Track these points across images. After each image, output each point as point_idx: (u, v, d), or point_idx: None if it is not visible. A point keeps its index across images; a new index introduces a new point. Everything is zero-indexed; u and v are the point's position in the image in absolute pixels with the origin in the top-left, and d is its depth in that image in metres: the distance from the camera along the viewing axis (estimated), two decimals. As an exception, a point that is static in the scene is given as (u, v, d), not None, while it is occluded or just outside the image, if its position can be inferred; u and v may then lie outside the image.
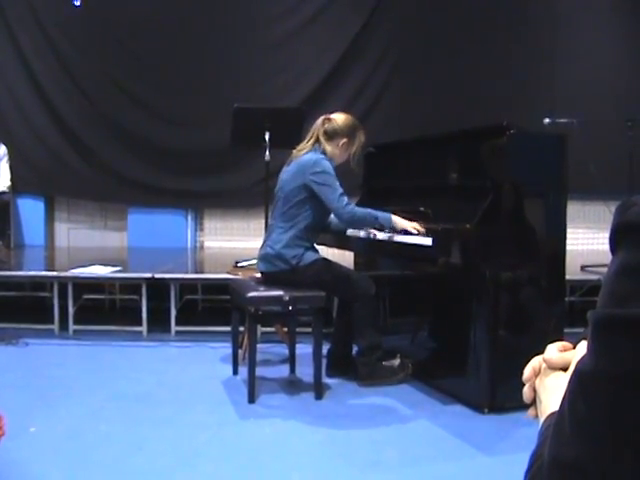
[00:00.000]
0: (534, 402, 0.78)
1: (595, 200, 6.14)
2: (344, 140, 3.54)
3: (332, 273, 3.47)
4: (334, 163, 3.52)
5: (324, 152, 3.51)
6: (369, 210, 3.45)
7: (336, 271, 3.50)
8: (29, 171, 6.49)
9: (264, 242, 3.57)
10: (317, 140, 3.54)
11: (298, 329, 3.87)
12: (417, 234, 3.21)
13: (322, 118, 3.59)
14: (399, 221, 3.34)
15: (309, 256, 3.44)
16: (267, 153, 4.23)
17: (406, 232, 3.27)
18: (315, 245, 3.58)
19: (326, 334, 3.58)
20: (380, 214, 3.39)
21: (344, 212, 3.37)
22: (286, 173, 3.54)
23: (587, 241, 6.47)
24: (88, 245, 6.69)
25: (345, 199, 3.38)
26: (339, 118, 3.59)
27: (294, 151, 3.59)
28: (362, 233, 3.55)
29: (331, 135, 3.54)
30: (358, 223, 3.46)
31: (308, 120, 3.96)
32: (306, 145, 3.56)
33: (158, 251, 6.15)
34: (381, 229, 3.42)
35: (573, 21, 6.50)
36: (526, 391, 0.78)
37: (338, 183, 3.40)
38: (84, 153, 6.50)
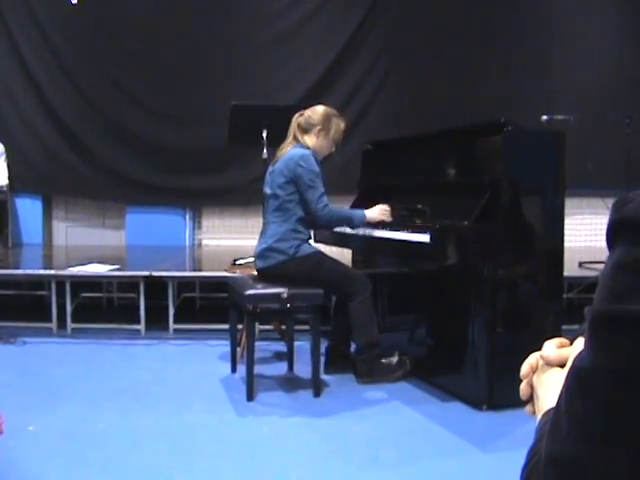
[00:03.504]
0: (531, 399, 0.78)
1: (593, 196, 6.15)
2: (318, 127, 3.56)
3: (328, 269, 3.47)
4: (319, 157, 3.54)
5: (308, 147, 3.53)
6: (344, 211, 3.66)
7: (333, 269, 3.49)
8: (27, 170, 6.48)
9: (259, 240, 3.57)
10: (295, 136, 3.57)
11: (296, 327, 3.88)
12: (389, 220, 3.48)
13: (296, 115, 3.63)
14: (372, 215, 3.53)
15: (306, 248, 3.45)
16: (265, 151, 4.23)
17: (384, 224, 3.49)
18: (310, 239, 3.59)
19: (324, 331, 3.58)
20: (354, 214, 3.55)
21: (322, 214, 3.42)
22: (272, 173, 3.55)
23: (585, 237, 6.48)
24: (86, 243, 6.68)
25: (324, 200, 3.42)
26: (311, 110, 3.63)
27: (278, 151, 3.62)
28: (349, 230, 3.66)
29: (305, 127, 3.57)
30: (334, 223, 3.59)
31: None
32: (286, 143, 3.58)
33: (156, 249, 6.14)
34: (357, 227, 3.57)
35: (571, 18, 6.49)
36: (523, 388, 0.78)
37: (321, 181, 3.44)
38: (82, 152, 6.49)
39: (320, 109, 3.62)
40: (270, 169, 3.60)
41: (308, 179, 3.39)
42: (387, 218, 3.53)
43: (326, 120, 3.58)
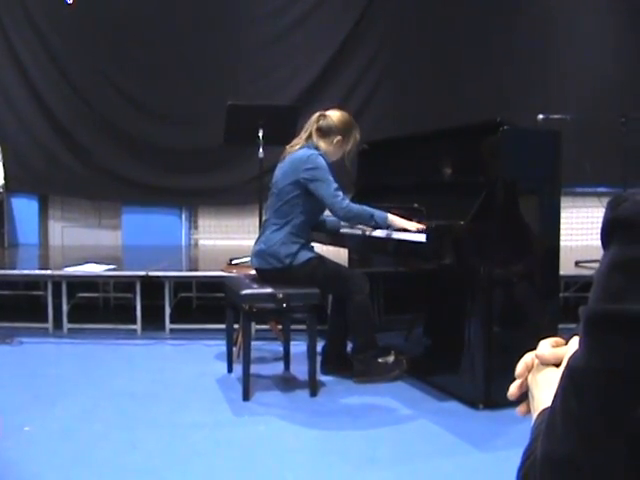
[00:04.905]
0: (525, 398, 0.78)
1: (589, 195, 6.16)
2: (338, 138, 3.51)
3: (326, 271, 3.45)
4: (328, 160, 3.48)
5: (317, 148, 3.48)
6: (365, 207, 3.42)
7: (330, 269, 3.48)
8: (23, 170, 6.47)
9: (259, 238, 3.56)
10: (310, 136, 3.51)
11: (293, 326, 3.87)
12: (417, 232, 3.15)
13: (317, 114, 3.56)
14: (396, 220, 3.30)
15: (303, 255, 3.41)
16: (261, 150, 4.22)
17: (404, 231, 3.23)
18: (310, 241, 3.56)
19: (321, 331, 3.57)
20: (376, 212, 3.36)
21: (339, 208, 3.35)
22: (280, 169, 3.52)
23: (581, 236, 6.49)
24: (82, 243, 6.67)
25: (340, 194, 3.36)
26: (334, 115, 3.55)
27: (287, 147, 3.57)
28: (357, 230, 3.55)
29: (326, 132, 3.51)
30: (353, 219, 3.45)
31: (301, 117, 3.96)
32: (299, 141, 3.53)
33: (152, 249, 6.14)
34: (377, 227, 3.38)
35: (568, 18, 6.50)
36: (512, 389, 0.79)
37: (332, 178, 3.38)
38: (78, 152, 6.48)
39: (345, 117, 3.57)
40: (279, 165, 3.55)
41: (317, 176, 3.34)
42: (412, 229, 3.19)
43: (347, 131, 3.53)
